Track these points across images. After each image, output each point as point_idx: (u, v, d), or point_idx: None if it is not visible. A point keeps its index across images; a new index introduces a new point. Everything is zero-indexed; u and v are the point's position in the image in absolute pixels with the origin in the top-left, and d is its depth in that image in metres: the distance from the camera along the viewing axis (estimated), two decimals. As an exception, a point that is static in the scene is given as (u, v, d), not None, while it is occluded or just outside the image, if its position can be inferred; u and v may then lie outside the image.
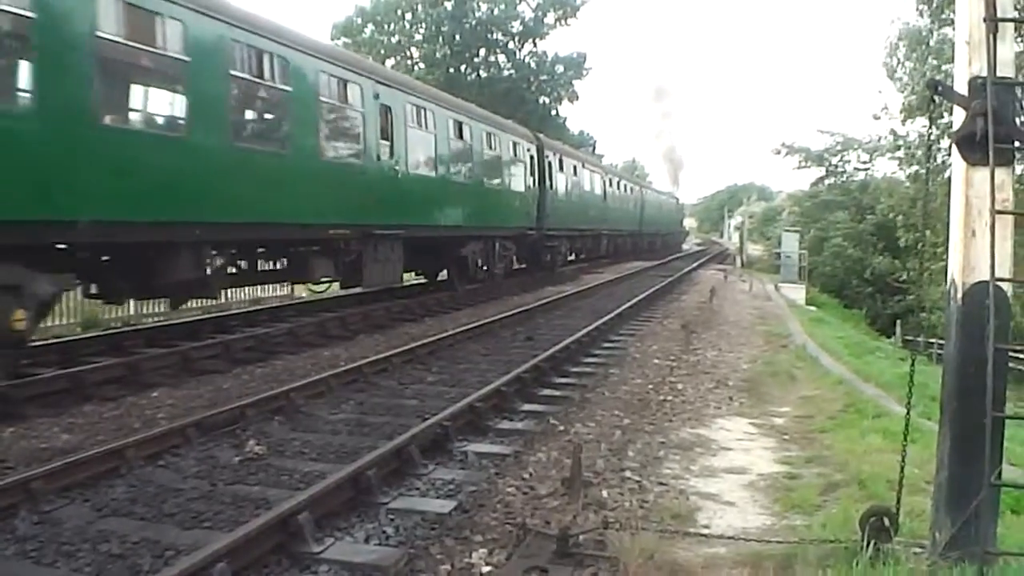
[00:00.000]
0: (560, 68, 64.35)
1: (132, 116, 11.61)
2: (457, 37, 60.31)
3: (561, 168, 33.23)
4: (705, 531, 6.03)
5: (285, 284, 21.03)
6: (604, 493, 6.93)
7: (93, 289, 11.85)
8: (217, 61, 12.47)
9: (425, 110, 20.38)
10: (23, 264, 9.50)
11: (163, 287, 12.75)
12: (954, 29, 4.50)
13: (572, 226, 34.72)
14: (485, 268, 25.22)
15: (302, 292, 22.23)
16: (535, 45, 64.24)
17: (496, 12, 61.31)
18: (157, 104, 12.15)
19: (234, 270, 15.04)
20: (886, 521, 5.02)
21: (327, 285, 18.81)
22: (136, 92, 11.72)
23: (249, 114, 14.39)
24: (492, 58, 63.50)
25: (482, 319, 17.55)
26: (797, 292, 34.29)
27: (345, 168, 16.52)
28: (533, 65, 63.95)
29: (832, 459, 8.11)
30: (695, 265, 45.68)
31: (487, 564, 5.44)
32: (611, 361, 13.62)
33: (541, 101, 63.83)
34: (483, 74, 62.41)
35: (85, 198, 10.13)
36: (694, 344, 15.87)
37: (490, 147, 25.33)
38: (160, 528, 5.96)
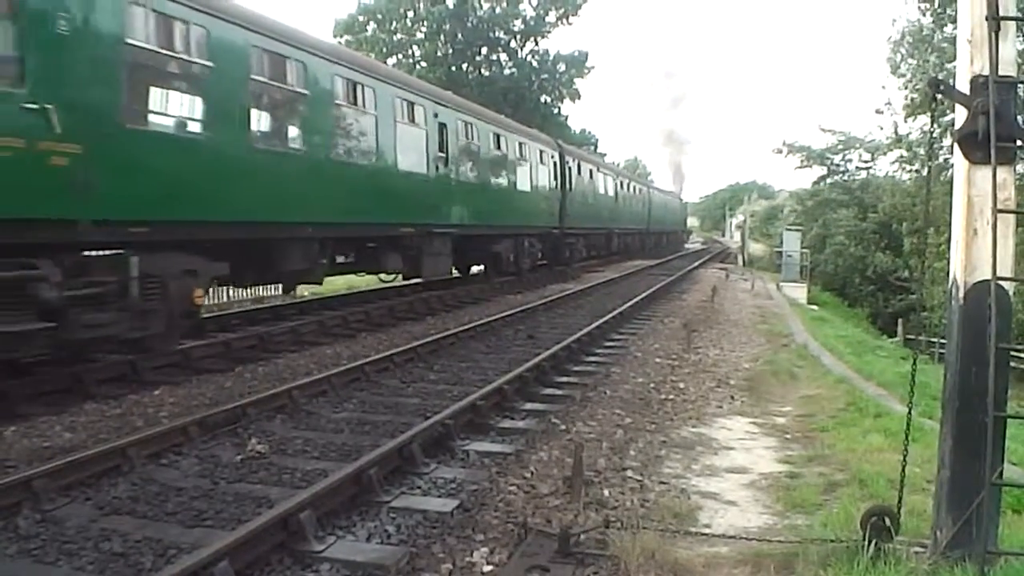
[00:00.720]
0: (562, 67, 64.26)
1: (275, 141, 14.48)
2: (459, 35, 60.26)
3: (579, 172, 35.46)
4: (706, 530, 6.03)
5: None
6: (605, 492, 6.93)
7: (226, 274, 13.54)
8: (328, 96, 15.44)
9: (471, 125, 23.49)
10: (199, 254, 11.86)
11: (281, 274, 15.44)
12: (956, 27, 4.49)
13: (588, 225, 36.80)
14: (515, 262, 27.75)
15: (304, 291, 22.23)
16: (536, 44, 64.19)
17: (498, 11, 61.24)
18: (290, 130, 15.00)
19: (337, 260, 17.41)
20: (887, 520, 5.02)
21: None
22: (276, 121, 14.66)
23: (347, 135, 16.56)
24: (494, 56, 63.42)
25: (484, 318, 17.56)
26: (799, 291, 34.31)
27: (414, 177, 19.34)
28: (535, 64, 63.85)
29: (833, 458, 8.12)
30: (696, 264, 45.64)
31: (488, 563, 5.45)
32: (612, 360, 13.62)
33: (542, 100, 63.78)
34: (484, 72, 62.34)
35: (241, 203, 12.81)
36: (695, 343, 15.87)
37: (521, 156, 28.34)
38: (162, 527, 5.97)
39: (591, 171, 38.61)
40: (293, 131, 14.90)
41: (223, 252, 12.59)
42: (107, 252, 10.28)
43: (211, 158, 12.08)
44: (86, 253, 10.07)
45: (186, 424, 8.35)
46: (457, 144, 21.99)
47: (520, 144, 28.20)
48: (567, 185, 32.93)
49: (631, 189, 50.74)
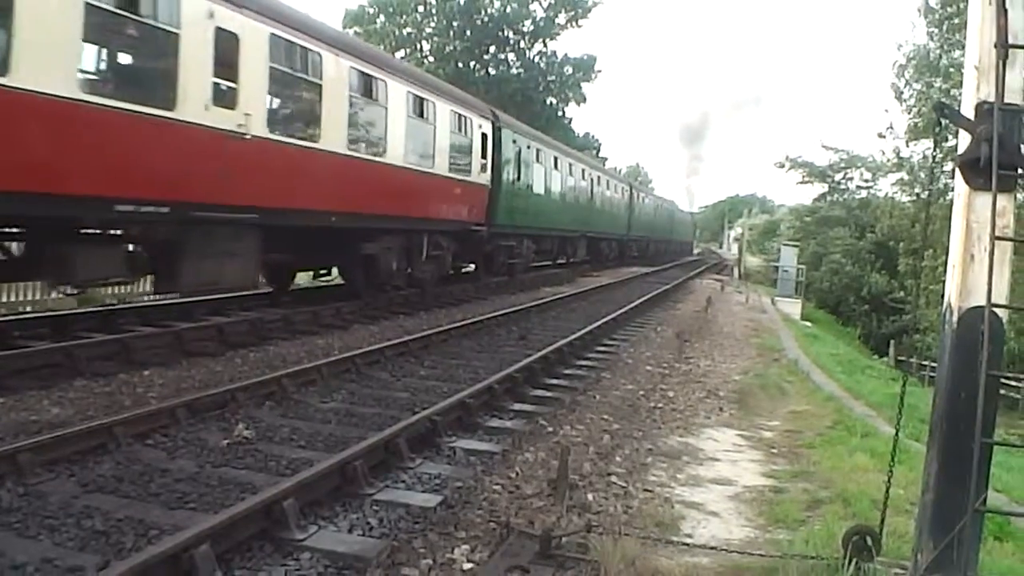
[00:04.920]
0: (569, 69, 64.31)
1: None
2: (468, 32, 60.29)
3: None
4: (688, 540, 6.04)
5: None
6: (589, 496, 6.94)
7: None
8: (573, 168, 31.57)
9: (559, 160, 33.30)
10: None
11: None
12: (964, 53, 4.50)
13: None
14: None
15: (299, 280, 21.96)
16: (545, 45, 64.25)
17: (508, 10, 61.26)
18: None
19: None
20: (869, 540, 5.03)
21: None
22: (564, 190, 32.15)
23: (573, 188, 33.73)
24: (502, 56, 63.45)
25: (477, 316, 17.56)
26: (793, 306, 34.36)
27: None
28: (542, 65, 63.90)
29: (818, 475, 8.13)
30: (692, 274, 45.68)
31: (469, 561, 5.45)
32: (603, 365, 13.62)
33: (548, 102, 63.82)
34: (492, 71, 62.37)
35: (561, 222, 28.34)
36: (687, 353, 15.89)
37: (595, 181, 40.24)
38: (145, 507, 5.97)
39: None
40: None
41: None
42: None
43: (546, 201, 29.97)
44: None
45: (174, 406, 8.34)
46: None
47: (592, 175, 39.72)
48: (634, 202, 34.53)
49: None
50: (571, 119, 67.41)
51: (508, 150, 25.70)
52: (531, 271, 27.14)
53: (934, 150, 8.27)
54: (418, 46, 62.04)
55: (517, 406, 10.20)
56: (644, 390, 11.95)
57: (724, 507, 7.18)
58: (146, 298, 17.26)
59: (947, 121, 4.63)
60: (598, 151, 72.17)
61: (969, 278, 4.34)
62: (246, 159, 12.70)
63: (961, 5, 32.77)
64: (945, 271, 4.70)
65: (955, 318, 4.41)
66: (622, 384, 12.21)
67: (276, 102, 14.10)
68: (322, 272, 20.19)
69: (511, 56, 63.97)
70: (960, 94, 4.61)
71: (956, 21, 33.56)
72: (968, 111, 4.38)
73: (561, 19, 63.21)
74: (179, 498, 6.21)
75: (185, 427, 8.11)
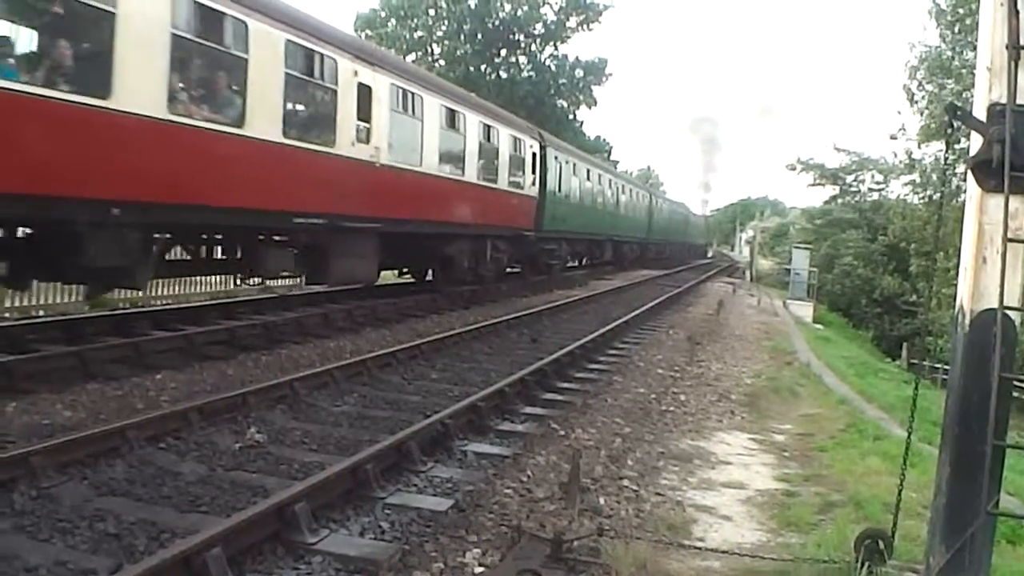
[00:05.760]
0: (580, 72, 64.27)
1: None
2: (479, 36, 60.28)
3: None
4: (700, 544, 6.03)
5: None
6: (601, 500, 6.94)
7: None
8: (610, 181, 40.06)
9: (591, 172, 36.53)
10: None
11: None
12: (975, 54, 4.48)
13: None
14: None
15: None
16: (556, 48, 64.24)
17: (519, 13, 61.24)
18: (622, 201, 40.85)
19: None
20: (881, 544, 5.02)
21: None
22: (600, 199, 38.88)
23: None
24: (513, 59, 63.44)
25: (489, 319, 17.58)
26: (805, 309, 34.28)
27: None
28: (553, 68, 63.88)
29: (831, 478, 8.12)
30: (703, 277, 45.64)
31: (480, 564, 5.46)
32: (614, 368, 13.62)
33: (559, 105, 63.80)
34: (503, 74, 62.38)
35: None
36: (699, 356, 15.87)
37: (620, 190, 43.37)
38: (157, 510, 5.99)
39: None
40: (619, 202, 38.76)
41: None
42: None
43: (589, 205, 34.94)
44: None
45: (186, 409, 8.36)
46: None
47: (622, 185, 43.14)
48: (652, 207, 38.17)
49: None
50: (582, 122, 67.41)
51: (552, 165, 29.06)
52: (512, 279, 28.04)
53: (946, 152, 8.23)
54: (429, 49, 62.07)
55: (529, 409, 10.21)
56: (656, 393, 11.94)
57: (736, 510, 7.17)
58: (158, 303, 17.32)
59: (959, 123, 4.61)
60: (609, 154, 72.09)
61: (981, 280, 4.33)
62: (375, 182, 16.21)
63: (973, 7, 32.70)
64: (957, 273, 4.68)
65: (967, 320, 4.39)
66: (633, 387, 12.20)
67: (395, 137, 17.12)
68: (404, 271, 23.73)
69: (522, 59, 63.94)
70: (972, 96, 4.59)
71: (968, 23, 33.46)
72: (980, 113, 4.36)
73: (572, 22, 63.13)
74: (191, 501, 6.23)
75: (197, 430, 8.11)
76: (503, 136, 24.11)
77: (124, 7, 9.93)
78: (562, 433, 9.17)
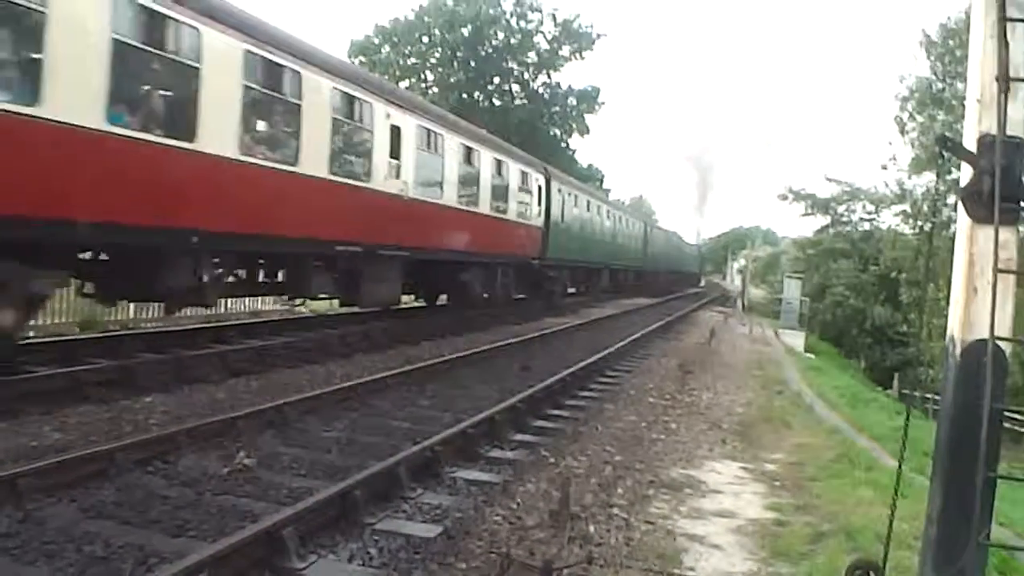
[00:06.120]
0: (573, 101, 64.64)
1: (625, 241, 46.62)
2: (472, 63, 60.67)
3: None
4: (690, 573, 6.01)
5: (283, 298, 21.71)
6: (591, 528, 6.91)
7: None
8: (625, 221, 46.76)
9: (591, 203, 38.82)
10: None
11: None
12: (966, 85, 4.50)
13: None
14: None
15: (302, 308, 22.36)
16: (549, 76, 64.63)
17: (512, 41, 61.69)
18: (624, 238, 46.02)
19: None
20: (872, 574, 4.99)
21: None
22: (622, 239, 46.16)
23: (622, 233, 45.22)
24: (506, 86, 63.84)
25: (480, 346, 17.56)
26: (796, 338, 34.33)
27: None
28: (546, 96, 64.26)
29: (821, 508, 8.09)
30: (695, 306, 45.72)
31: (469, 592, 5.42)
32: (606, 396, 13.61)
33: (552, 132, 64.08)
34: (496, 101, 62.70)
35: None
36: (690, 384, 15.85)
37: (617, 220, 45.36)
38: (145, 534, 5.95)
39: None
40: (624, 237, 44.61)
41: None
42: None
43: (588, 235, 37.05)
44: None
45: (175, 432, 8.34)
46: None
47: (622, 218, 46.66)
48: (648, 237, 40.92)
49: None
50: (575, 150, 67.72)
51: (555, 198, 31.20)
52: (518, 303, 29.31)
53: (937, 182, 8.27)
54: (422, 76, 62.47)
55: (519, 436, 10.19)
56: (647, 421, 11.92)
57: (727, 540, 7.14)
58: (149, 325, 17.29)
59: (950, 154, 4.64)
60: (601, 182, 72.38)
61: (972, 311, 4.33)
62: (403, 213, 18.26)
63: (963, 38, 32.98)
64: (948, 304, 4.69)
65: (958, 351, 4.40)
66: (624, 415, 12.18)
67: (420, 172, 19.23)
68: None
69: (515, 87, 64.36)
70: (963, 127, 4.62)
71: (958, 54, 33.74)
72: (970, 144, 4.38)
73: (565, 51, 63.63)
74: (179, 525, 6.19)
75: (186, 454, 8.09)
76: (513, 170, 26.34)
77: (208, 67, 11.71)
78: (552, 461, 9.14)
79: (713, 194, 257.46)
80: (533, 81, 64.46)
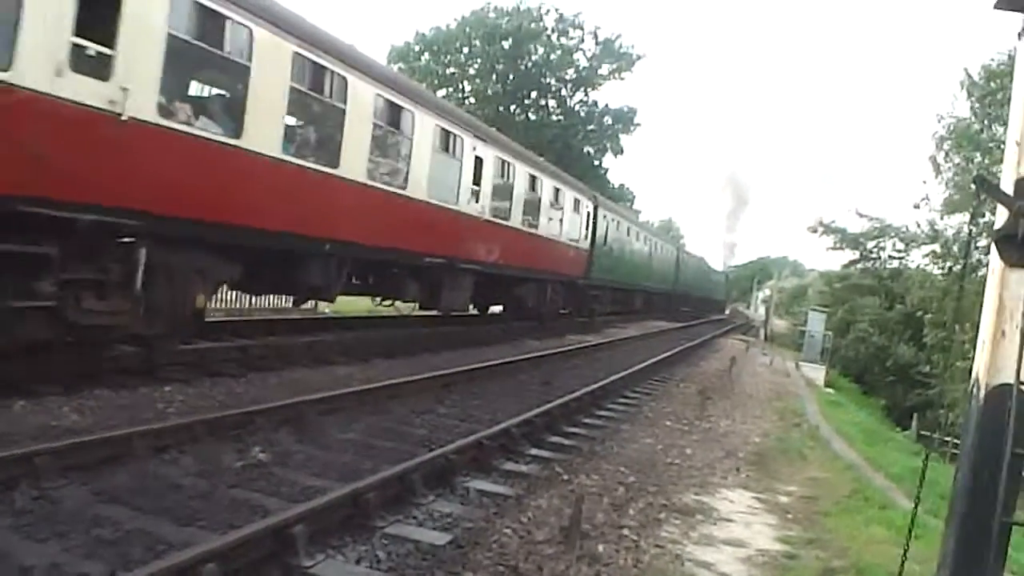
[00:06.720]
0: (609, 120, 64.62)
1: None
2: (511, 77, 60.78)
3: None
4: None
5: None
6: (600, 547, 6.89)
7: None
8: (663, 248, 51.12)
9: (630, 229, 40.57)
10: None
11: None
12: (1005, 129, 4.47)
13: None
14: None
15: (325, 308, 22.60)
16: (587, 94, 64.65)
17: (552, 57, 61.76)
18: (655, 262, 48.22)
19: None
20: (881, 613, 4.95)
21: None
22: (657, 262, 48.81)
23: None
24: (543, 102, 63.90)
25: (501, 359, 17.56)
26: (817, 372, 34.12)
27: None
28: (582, 114, 64.26)
29: (833, 544, 8.04)
30: (718, 332, 45.61)
31: (475, 602, 5.42)
32: (623, 417, 13.58)
33: (586, 151, 64.08)
34: (532, 116, 62.77)
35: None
36: (708, 411, 15.78)
37: (653, 246, 47.17)
38: (155, 521, 5.98)
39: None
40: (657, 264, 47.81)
41: None
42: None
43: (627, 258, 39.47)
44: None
45: (192, 423, 8.38)
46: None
47: (651, 239, 46.96)
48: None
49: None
50: (607, 169, 67.67)
51: (601, 223, 33.16)
52: (561, 318, 30.63)
53: (970, 223, 8.23)
54: (460, 86, 62.60)
55: (534, 451, 10.17)
56: (663, 445, 11.88)
57: (735, 568, 7.10)
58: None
59: (985, 195, 4.61)
60: (632, 203, 72.31)
61: (999, 354, 4.31)
62: (479, 233, 20.70)
63: (1005, 81, 32.79)
64: (973, 347, 4.67)
65: (982, 394, 4.37)
66: (641, 437, 12.15)
67: (496, 197, 21.76)
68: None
69: (552, 103, 64.40)
70: (999, 171, 4.59)
71: (999, 96, 33.52)
72: (1007, 186, 4.36)
73: (604, 70, 63.65)
74: (190, 514, 6.22)
75: (202, 445, 8.12)
76: (568, 197, 28.80)
77: (351, 110, 14.17)
78: (566, 477, 9.12)
79: (747, 211, 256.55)
80: (571, 98, 64.50)
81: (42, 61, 8.39)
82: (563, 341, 25.09)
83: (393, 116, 15.94)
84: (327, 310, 22.76)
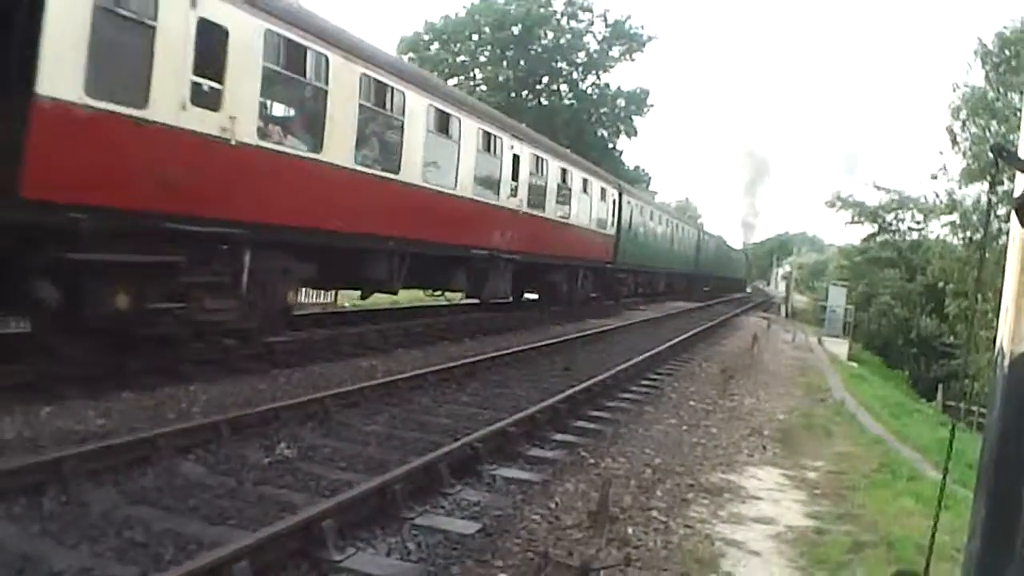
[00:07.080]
0: (621, 102, 64.38)
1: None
2: (521, 63, 60.62)
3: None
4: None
5: (328, 292, 23.79)
6: (629, 530, 6.89)
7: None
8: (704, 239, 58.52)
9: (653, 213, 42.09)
10: None
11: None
12: (1021, 95, 4.43)
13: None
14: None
15: (344, 302, 22.74)
16: (598, 77, 64.44)
17: (562, 41, 61.57)
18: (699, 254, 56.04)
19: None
20: (912, 586, 4.94)
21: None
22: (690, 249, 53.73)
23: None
24: (555, 86, 63.73)
25: (522, 345, 17.56)
26: (840, 347, 33.97)
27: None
28: (595, 97, 64.06)
29: (862, 518, 8.01)
30: (739, 311, 45.49)
31: (506, 590, 5.42)
32: (647, 399, 13.56)
33: (599, 134, 63.89)
34: (544, 101, 62.63)
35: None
36: (732, 390, 15.74)
37: (675, 228, 48.23)
38: (184, 521, 6.01)
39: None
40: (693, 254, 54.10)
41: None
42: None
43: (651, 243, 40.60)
44: None
45: (217, 421, 8.41)
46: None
47: (678, 225, 49.38)
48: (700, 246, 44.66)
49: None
50: (622, 151, 67.45)
51: (626, 210, 34.84)
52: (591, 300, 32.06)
53: (989, 192, 8.14)
54: (471, 74, 62.49)
55: (559, 436, 10.18)
56: (687, 425, 11.87)
57: (765, 546, 7.09)
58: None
59: (1004, 163, 4.57)
60: (648, 184, 72.06)
61: (1022, 322, 4.27)
62: (517, 224, 22.22)
63: (1020, 48, 32.48)
64: (996, 316, 4.63)
65: (1007, 362, 4.33)
66: (665, 418, 12.14)
67: (532, 191, 23.49)
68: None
69: (564, 87, 64.22)
70: (1017, 138, 4.55)
71: (1014, 64, 33.23)
72: (1025, 153, 4.31)
73: (615, 52, 63.44)
74: (219, 513, 6.26)
75: (227, 443, 8.16)
76: (594, 186, 30.49)
77: (408, 120, 15.86)
78: (592, 462, 9.13)
79: (766, 183, 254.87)
80: (582, 81, 64.31)
81: (170, 98, 9.99)
82: (585, 325, 25.05)
83: (443, 123, 17.58)
84: (347, 304, 22.91)
